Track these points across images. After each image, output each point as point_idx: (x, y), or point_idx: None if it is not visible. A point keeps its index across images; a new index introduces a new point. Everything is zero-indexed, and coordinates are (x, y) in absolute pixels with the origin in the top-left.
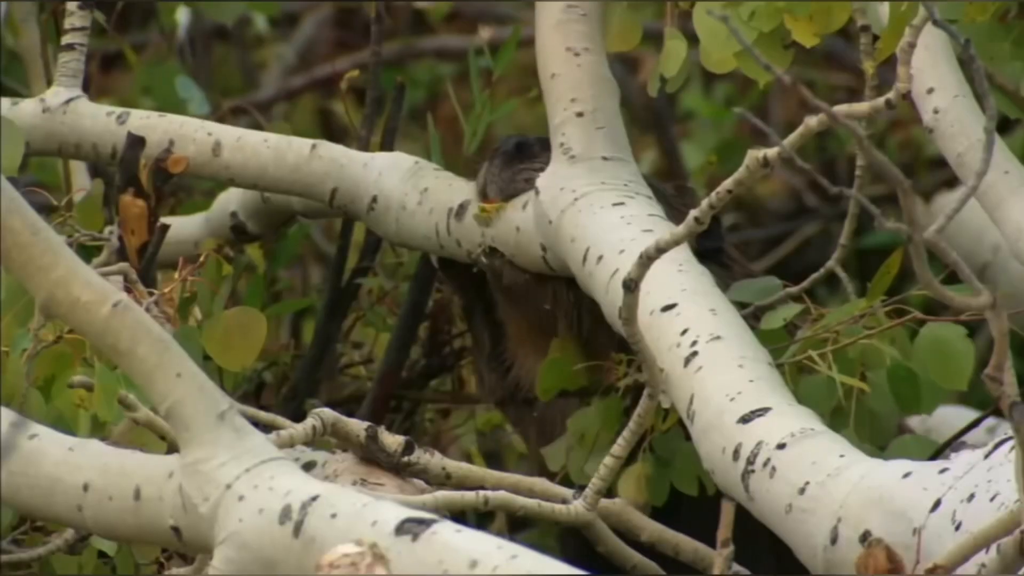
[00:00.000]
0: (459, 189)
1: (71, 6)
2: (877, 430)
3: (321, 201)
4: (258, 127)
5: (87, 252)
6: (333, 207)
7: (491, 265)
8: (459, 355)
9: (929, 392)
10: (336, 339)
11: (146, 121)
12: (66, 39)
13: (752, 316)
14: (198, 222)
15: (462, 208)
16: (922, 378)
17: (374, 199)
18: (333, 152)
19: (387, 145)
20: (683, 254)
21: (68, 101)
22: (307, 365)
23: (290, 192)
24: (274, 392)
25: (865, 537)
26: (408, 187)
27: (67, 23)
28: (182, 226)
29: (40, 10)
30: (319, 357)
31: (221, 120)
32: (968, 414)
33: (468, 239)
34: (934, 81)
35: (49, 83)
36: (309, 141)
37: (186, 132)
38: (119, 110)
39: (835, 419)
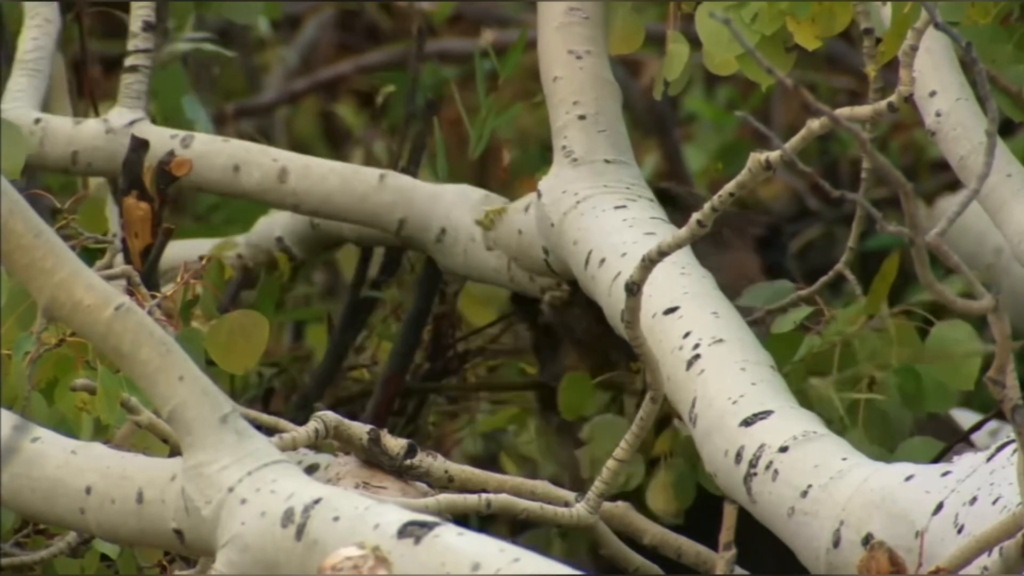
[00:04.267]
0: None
1: (135, 27)
2: (888, 432)
3: (387, 231)
4: (261, 130)
5: (91, 255)
6: (399, 237)
7: (560, 318)
8: (463, 359)
9: (937, 393)
10: (349, 351)
11: (210, 145)
12: (130, 60)
13: (761, 320)
14: (238, 243)
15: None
16: (929, 379)
17: (442, 231)
18: (401, 182)
19: (414, 162)
20: (685, 257)
21: (132, 123)
22: (320, 375)
23: (356, 221)
24: (283, 399)
25: (867, 540)
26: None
27: (131, 44)
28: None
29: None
30: (333, 368)
31: (223, 123)
32: (972, 417)
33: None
34: (936, 84)
35: (79, 96)
36: (377, 171)
37: (251, 158)
38: (183, 133)
39: (849, 419)
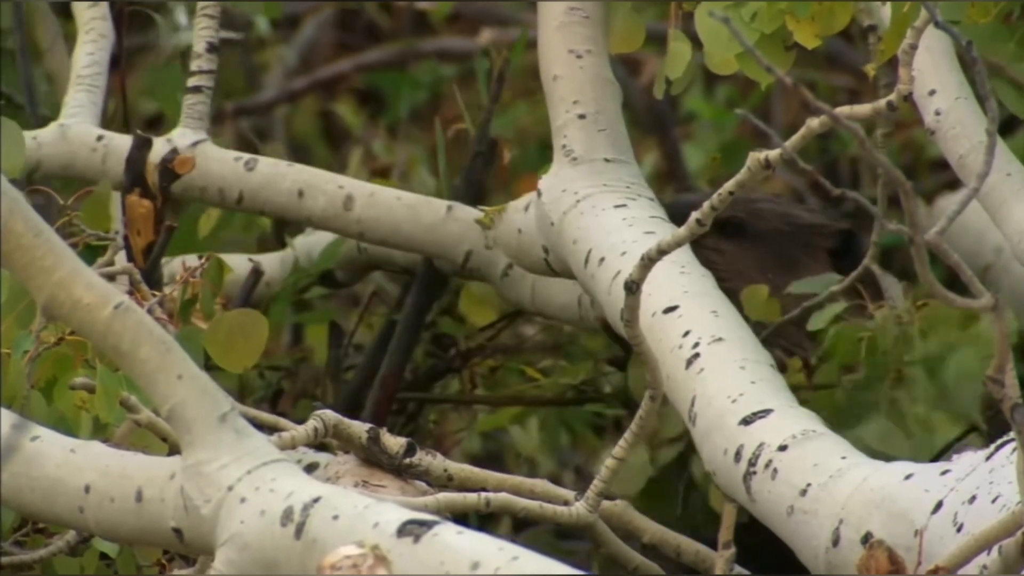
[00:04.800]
0: None
1: (198, 48)
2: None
3: (454, 263)
4: (259, 130)
5: (93, 252)
6: (465, 269)
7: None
8: (466, 357)
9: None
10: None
11: (275, 169)
12: (192, 81)
13: (799, 318)
14: (271, 261)
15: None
16: (958, 372)
17: (510, 265)
18: (469, 215)
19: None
20: (685, 256)
21: (195, 144)
22: (352, 389)
23: (422, 252)
24: (291, 400)
25: (867, 539)
26: None
27: (194, 65)
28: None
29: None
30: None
31: (222, 121)
32: None
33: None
34: (936, 83)
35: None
36: (445, 203)
37: (316, 183)
38: (247, 156)
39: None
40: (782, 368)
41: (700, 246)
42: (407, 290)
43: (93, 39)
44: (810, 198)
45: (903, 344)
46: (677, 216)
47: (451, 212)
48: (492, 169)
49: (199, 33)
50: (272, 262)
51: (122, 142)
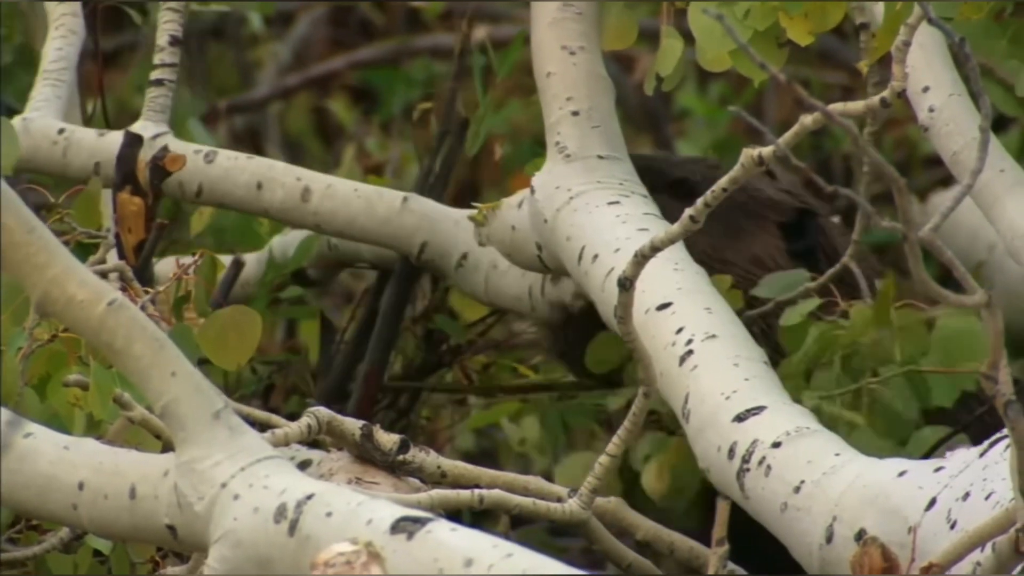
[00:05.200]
0: None
1: (161, 42)
2: (895, 425)
3: (408, 254)
4: (253, 126)
5: (85, 250)
6: (420, 261)
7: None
8: (456, 352)
9: (943, 386)
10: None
11: (234, 162)
12: (155, 74)
13: (773, 313)
14: (249, 261)
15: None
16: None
17: (464, 256)
18: (424, 206)
19: (442, 179)
20: (678, 253)
21: (155, 136)
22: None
23: (377, 243)
24: (283, 395)
25: (860, 535)
26: None
27: (156, 59)
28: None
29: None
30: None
31: (216, 119)
32: None
33: (565, 301)
34: (929, 80)
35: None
36: (400, 194)
37: (275, 176)
38: (206, 148)
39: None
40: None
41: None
42: (382, 282)
43: (63, 35)
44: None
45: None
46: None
47: (406, 204)
48: (461, 150)
49: (163, 27)
50: (249, 261)
51: (83, 135)
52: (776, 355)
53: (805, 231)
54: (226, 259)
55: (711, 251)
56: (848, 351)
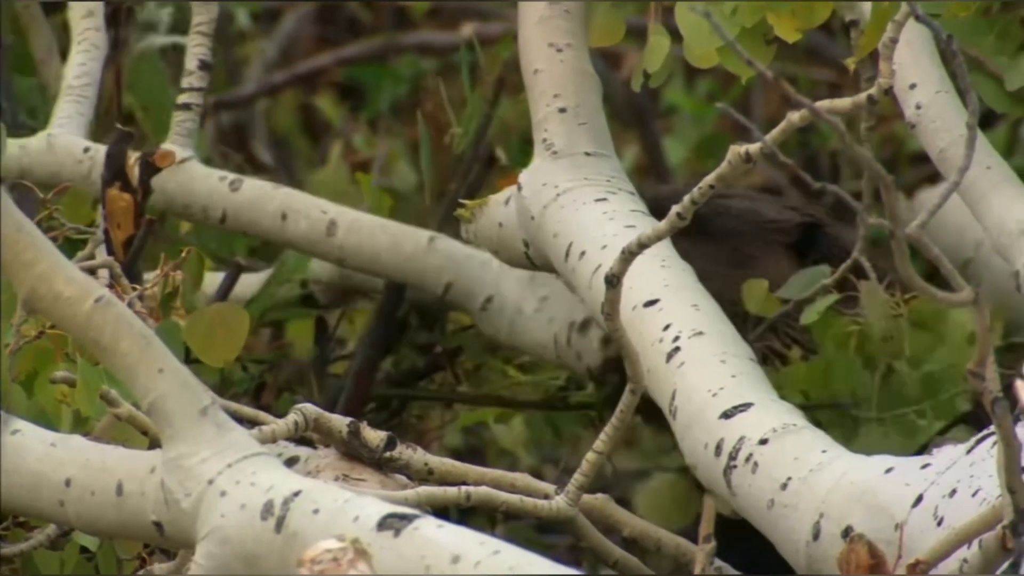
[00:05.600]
0: (578, 303)
1: (190, 65)
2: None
3: (433, 294)
4: (240, 123)
5: (73, 246)
6: (444, 301)
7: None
8: (451, 355)
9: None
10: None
11: (260, 191)
12: (182, 98)
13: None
14: (253, 282)
15: (586, 324)
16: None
17: (489, 299)
18: (451, 247)
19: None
20: (665, 250)
21: (181, 161)
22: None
23: (402, 280)
24: (274, 393)
25: (847, 532)
26: (527, 292)
27: (185, 82)
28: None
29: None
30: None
31: (203, 115)
32: None
33: (589, 354)
34: (916, 77)
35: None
36: (427, 233)
37: (300, 207)
38: (232, 176)
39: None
40: (782, 360)
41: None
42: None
43: (85, 49)
44: (790, 191)
45: (893, 338)
46: (658, 210)
47: (432, 243)
48: (489, 175)
49: (192, 51)
50: (254, 283)
51: None
52: (808, 353)
53: (815, 245)
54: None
55: (723, 291)
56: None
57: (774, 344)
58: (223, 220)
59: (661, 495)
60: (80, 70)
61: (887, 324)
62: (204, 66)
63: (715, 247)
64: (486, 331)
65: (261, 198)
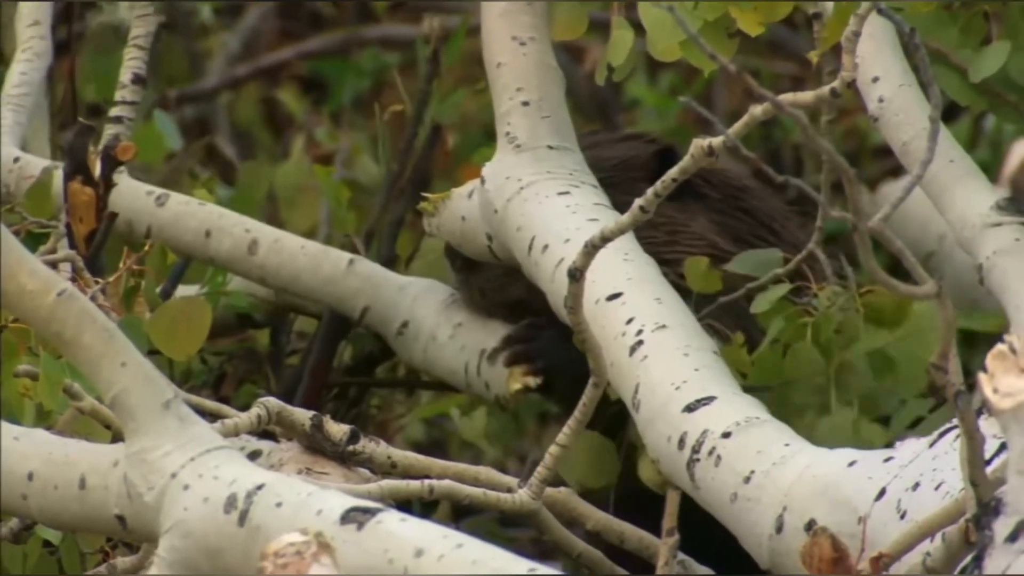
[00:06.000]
0: (493, 330)
1: (124, 78)
2: (870, 405)
3: (350, 316)
4: (203, 116)
5: (36, 240)
6: (361, 324)
7: None
8: None
9: (908, 369)
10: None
11: (185, 207)
12: (115, 111)
13: (744, 298)
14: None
15: (496, 352)
16: (901, 355)
17: (404, 324)
18: (370, 270)
19: (418, 184)
20: (629, 243)
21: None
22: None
23: (319, 302)
24: (234, 385)
25: (810, 526)
26: (442, 318)
27: (118, 95)
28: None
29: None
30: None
31: (165, 109)
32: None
33: (497, 384)
34: (879, 70)
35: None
36: (347, 255)
37: (224, 225)
38: (159, 191)
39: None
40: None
41: None
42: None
43: (28, 58)
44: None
45: (847, 331)
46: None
47: (352, 266)
48: (434, 152)
49: (127, 63)
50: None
51: (38, 165)
52: (752, 338)
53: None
54: None
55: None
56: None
57: (718, 325)
58: (147, 235)
59: (579, 455)
60: (20, 79)
61: (841, 317)
62: (138, 80)
63: None
64: (402, 356)
65: (185, 215)
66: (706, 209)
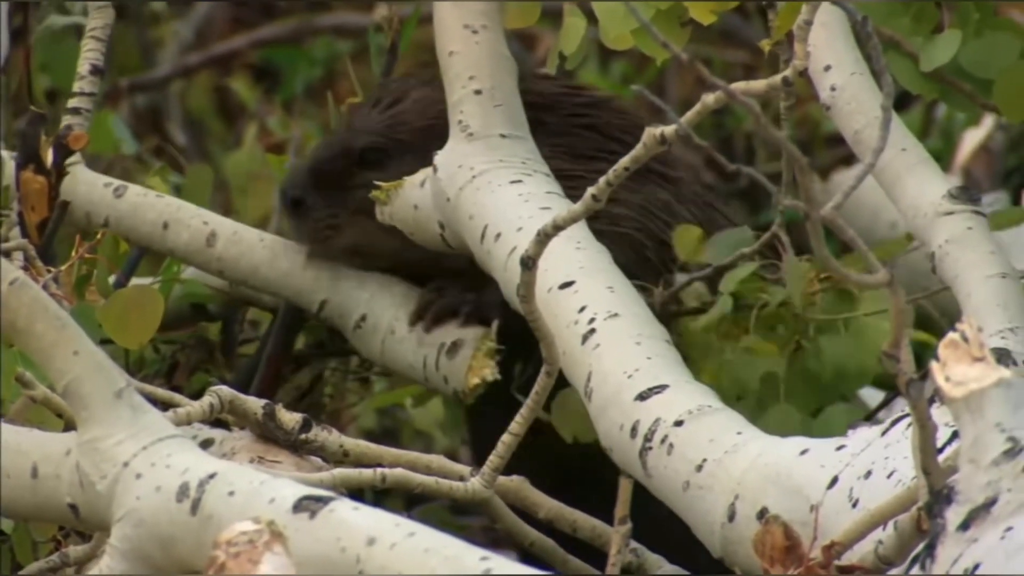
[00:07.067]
0: (450, 328)
1: (82, 69)
2: (813, 395)
3: (308, 309)
4: (155, 105)
5: None
6: (319, 318)
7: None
8: None
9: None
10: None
11: (143, 199)
12: (72, 102)
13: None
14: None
15: (455, 346)
16: (844, 353)
17: (362, 318)
18: (328, 264)
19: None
20: (581, 232)
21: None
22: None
23: (277, 295)
24: (186, 374)
25: (762, 514)
26: (401, 312)
27: (76, 86)
28: None
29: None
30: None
31: (117, 98)
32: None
33: (456, 378)
34: (831, 58)
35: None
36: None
37: (182, 217)
38: (117, 183)
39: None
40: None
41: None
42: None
43: None
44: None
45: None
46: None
47: (310, 259)
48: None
49: (85, 55)
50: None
51: None
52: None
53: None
54: None
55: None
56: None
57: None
58: (105, 226)
59: (572, 409)
60: None
61: (802, 300)
62: (96, 71)
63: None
64: (361, 351)
65: (143, 206)
66: (546, 135)
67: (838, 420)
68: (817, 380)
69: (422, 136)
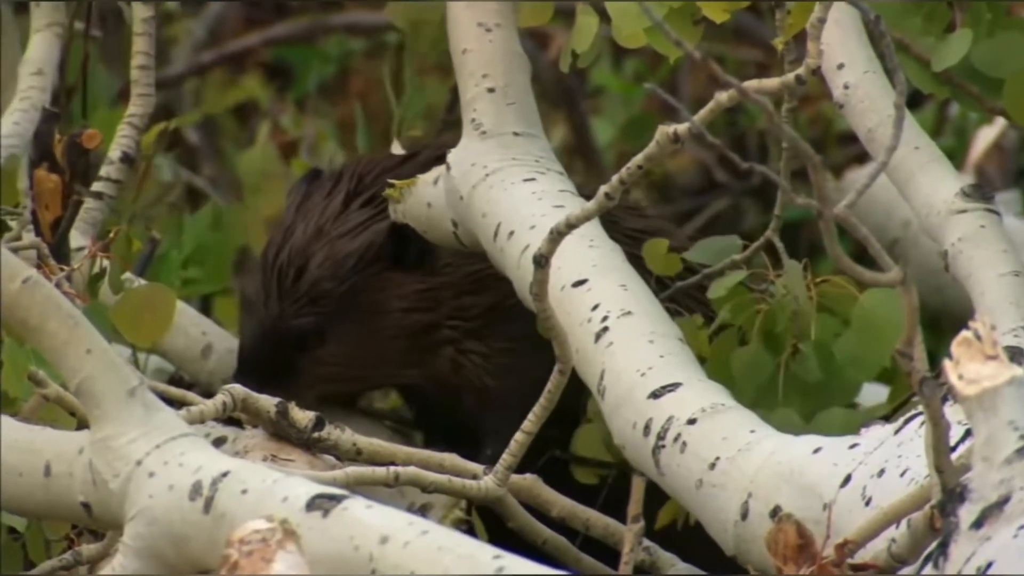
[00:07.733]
0: None
1: (112, 155)
2: (811, 400)
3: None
4: (168, 103)
5: (0, 226)
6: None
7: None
8: None
9: (856, 365)
10: None
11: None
12: (96, 187)
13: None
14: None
15: (424, 509)
16: (847, 351)
17: None
18: None
19: None
20: (594, 229)
21: (79, 249)
22: None
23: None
24: None
25: (775, 512)
26: None
27: (103, 171)
28: None
29: None
30: None
31: (126, 97)
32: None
33: None
34: (844, 57)
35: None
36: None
37: (181, 322)
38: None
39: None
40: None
41: None
42: None
43: (24, 108)
44: (718, 171)
45: (800, 320)
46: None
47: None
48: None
49: (118, 141)
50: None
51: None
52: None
53: None
54: None
55: None
56: (768, 325)
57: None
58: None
59: (596, 436)
60: (13, 129)
61: (797, 304)
62: (126, 159)
63: None
64: None
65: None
66: None
67: (834, 424)
68: (815, 385)
69: (348, 298)
